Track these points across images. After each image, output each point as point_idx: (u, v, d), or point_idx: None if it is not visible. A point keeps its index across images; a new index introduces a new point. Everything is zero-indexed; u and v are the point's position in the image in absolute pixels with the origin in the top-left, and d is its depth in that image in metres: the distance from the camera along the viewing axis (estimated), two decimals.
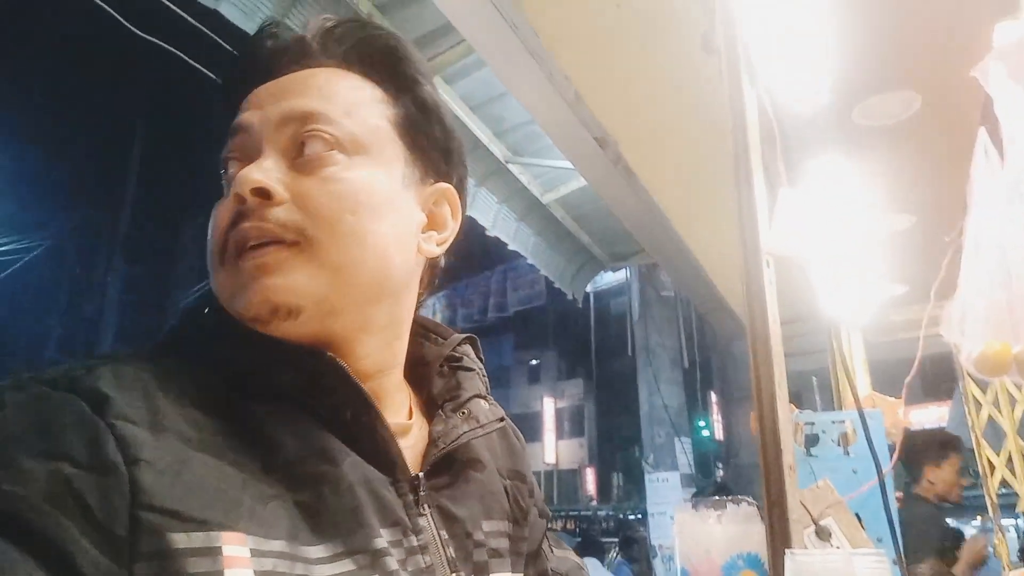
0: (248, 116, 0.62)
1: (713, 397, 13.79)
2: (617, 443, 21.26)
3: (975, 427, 3.05)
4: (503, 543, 0.70)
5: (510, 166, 4.39)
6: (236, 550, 0.49)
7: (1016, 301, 1.47)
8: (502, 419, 0.72)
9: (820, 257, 2.03)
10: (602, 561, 5.42)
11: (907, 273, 2.82)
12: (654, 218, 2.48)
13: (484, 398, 0.72)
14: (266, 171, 0.58)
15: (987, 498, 2.94)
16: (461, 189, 0.73)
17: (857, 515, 1.70)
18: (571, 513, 20.61)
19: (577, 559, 0.83)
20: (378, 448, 0.60)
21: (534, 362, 24.54)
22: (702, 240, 2.68)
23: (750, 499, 0.94)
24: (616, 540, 6.74)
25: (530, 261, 5.59)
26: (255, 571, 0.49)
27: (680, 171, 2.20)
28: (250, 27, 3.09)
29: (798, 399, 2.66)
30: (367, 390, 0.59)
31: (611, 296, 15.15)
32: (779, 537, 0.84)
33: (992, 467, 2.96)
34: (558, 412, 23.05)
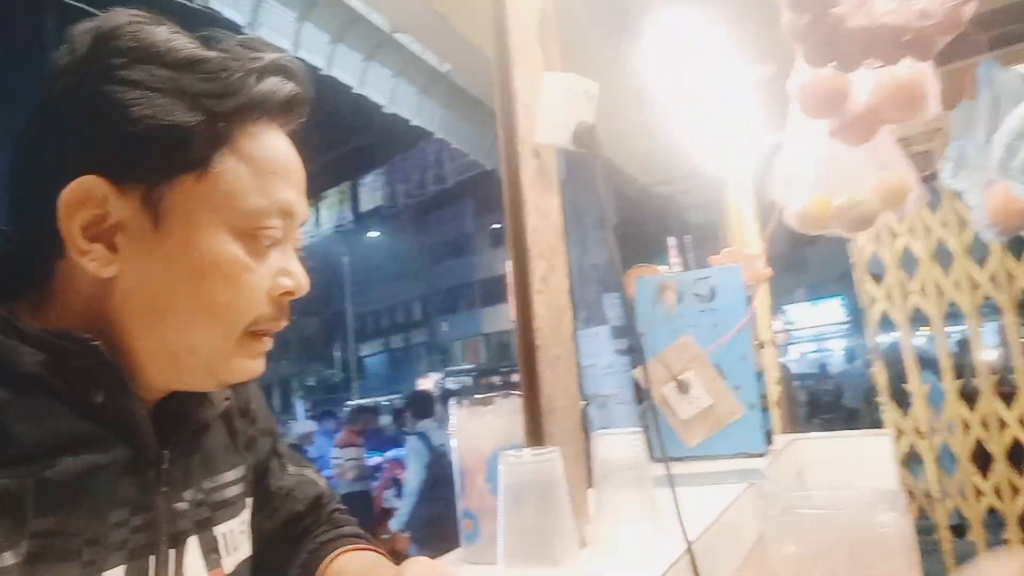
0: (300, 209, 0.65)
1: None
2: None
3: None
4: (234, 490, 0.73)
5: (397, 36, 4.16)
6: None
7: (841, 155, 1.48)
8: (228, 398, 0.74)
9: (685, 113, 2.01)
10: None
11: (781, 122, 2.82)
12: None
13: None
14: None
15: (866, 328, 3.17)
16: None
17: (718, 366, 1.79)
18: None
19: (314, 476, 0.87)
20: (128, 428, 0.60)
21: (496, 226, 24.57)
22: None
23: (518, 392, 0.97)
24: None
25: (439, 135, 5.43)
26: None
27: None
28: None
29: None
30: (124, 371, 0.59)
31: None
32: (534, 429, 0.88)
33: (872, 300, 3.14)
34: None
